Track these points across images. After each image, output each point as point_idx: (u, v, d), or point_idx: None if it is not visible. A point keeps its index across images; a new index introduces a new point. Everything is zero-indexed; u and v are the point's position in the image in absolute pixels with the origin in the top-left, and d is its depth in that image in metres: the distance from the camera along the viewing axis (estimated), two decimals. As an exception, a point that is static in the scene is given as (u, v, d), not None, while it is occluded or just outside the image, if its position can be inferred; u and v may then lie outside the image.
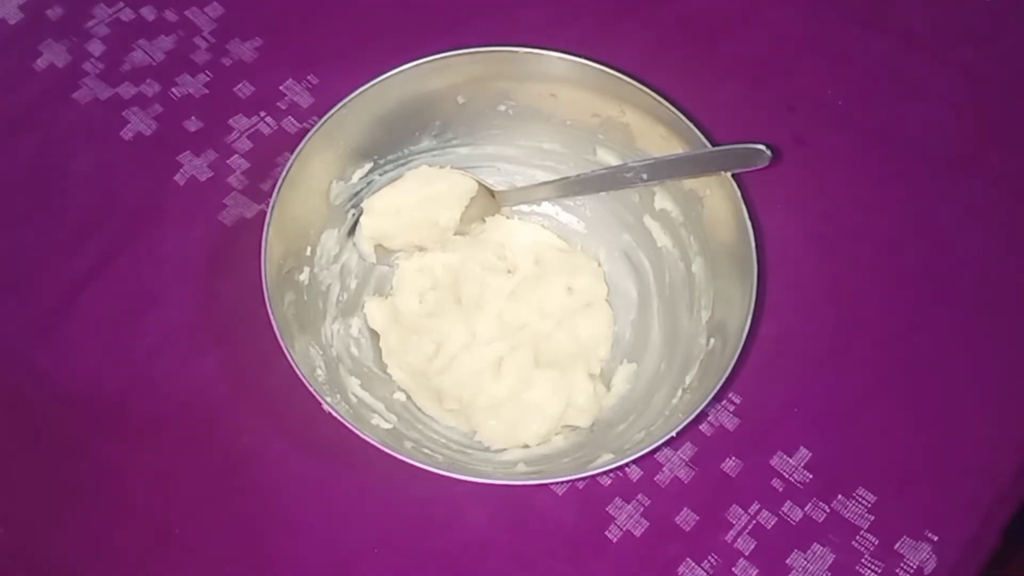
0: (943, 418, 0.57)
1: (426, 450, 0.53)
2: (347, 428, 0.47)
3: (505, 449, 0.54)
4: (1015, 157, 0.64)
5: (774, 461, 0.55)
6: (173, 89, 0.63)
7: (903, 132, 0.65)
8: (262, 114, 0.63)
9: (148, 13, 0.66)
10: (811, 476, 0.55)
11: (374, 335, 0.58)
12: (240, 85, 0.64)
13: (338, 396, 0.52)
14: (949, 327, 0.59)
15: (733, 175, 0.51)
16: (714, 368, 0.49)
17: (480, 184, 0.58)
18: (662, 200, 0.56)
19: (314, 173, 0.54)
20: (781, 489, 0.55)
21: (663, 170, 0.53)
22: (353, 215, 0.58)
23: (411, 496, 0.53)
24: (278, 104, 0.63)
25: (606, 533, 0.53)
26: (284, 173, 0.51)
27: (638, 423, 0.53)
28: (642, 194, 0.57)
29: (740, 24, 0.68)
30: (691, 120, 0.52)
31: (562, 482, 0.54)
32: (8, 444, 0.54)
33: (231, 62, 0.64)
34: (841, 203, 0.61)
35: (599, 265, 0.59)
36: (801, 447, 0.56)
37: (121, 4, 0.66)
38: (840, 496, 0.54)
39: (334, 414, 0.47)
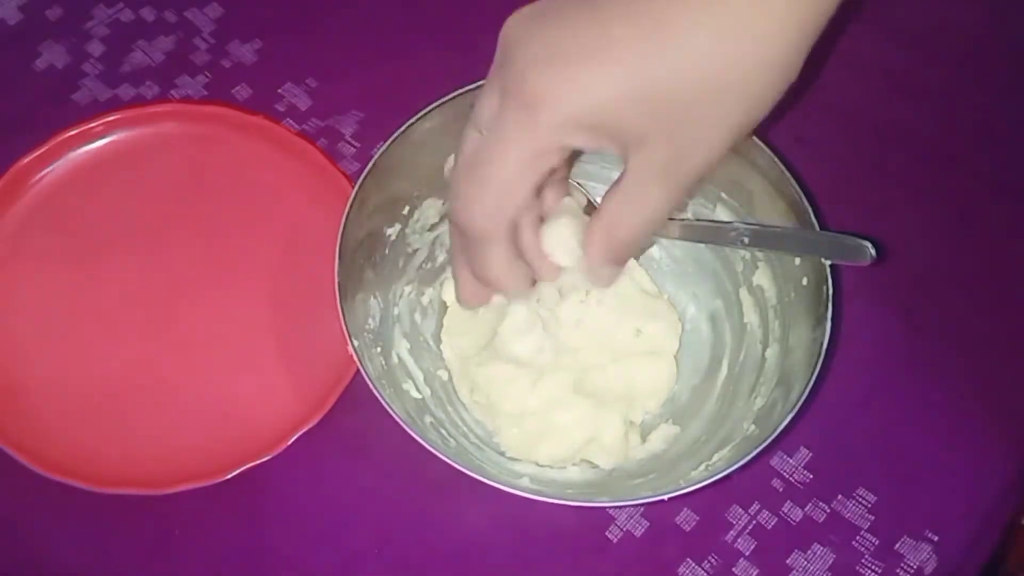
0: (943, 418, 0.57)
1: (443, 431, 0.52)
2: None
3: (519, 460, 0.54)
4: (1014, 157, 0.64)
5: (774, 461, 0.55)
6: (172, 91, 0.63)
7: (902, 131, 0.65)
8: (260, 117, 0.63)
9: (148, 14, 0.66)
10: (811, 476, 0.55)
11: (442, 310, 0.57)
12: (239, 87, 0.64)
13: (379, 350, 0.52)
14: (949, 327, 0.59)
15: (832, 272, 0.49)
16: (742, 452, 0.48)
17: (589, 201, 0.54)
18: (762, 277, 0.55)
19: (433, 139, 0.52)
20: (781, 489, 0.55)
21: (764, 239, 0.51)
22: None
23: (411, 496, 0.53)
24: (276, 107, 0.63)
25: (606, 533, 0.53)
26: (402, 128, 0.51)
27: (653, 483, 0.52)
28: (746, 265, 0.56)
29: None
30: (812, 205, 0.51)
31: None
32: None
33: (230, 64, 0.64)
34: (841, 203, 0.61)
35: (679, 320, 0.57)
36: (801, 447, 0.55)
37: (121, 5, 0.66)
38: (840, 496, 0.54)
39: (354, 357, 0.47)
